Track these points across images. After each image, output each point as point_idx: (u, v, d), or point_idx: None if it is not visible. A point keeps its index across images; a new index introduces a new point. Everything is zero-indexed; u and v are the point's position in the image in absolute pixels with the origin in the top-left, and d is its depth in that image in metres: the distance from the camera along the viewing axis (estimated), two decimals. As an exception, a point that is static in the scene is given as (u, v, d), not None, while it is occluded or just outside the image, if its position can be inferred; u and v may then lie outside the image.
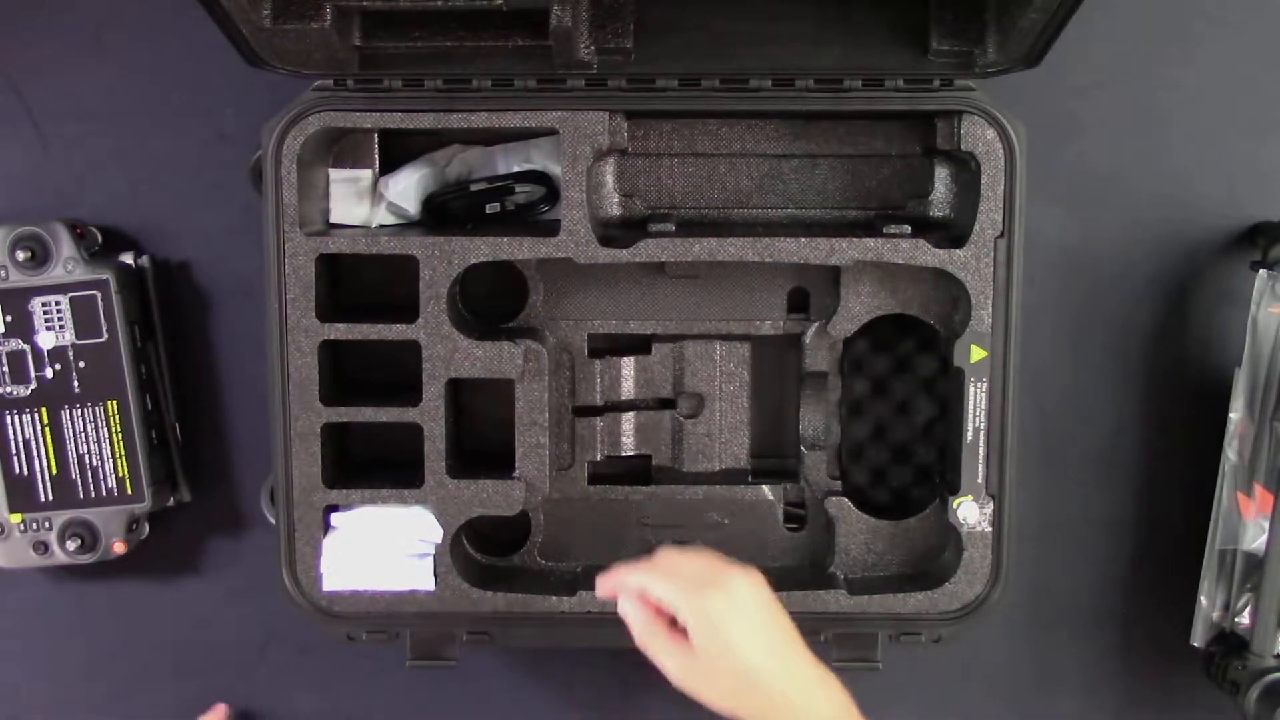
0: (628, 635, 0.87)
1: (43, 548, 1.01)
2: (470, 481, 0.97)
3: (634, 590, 0.87)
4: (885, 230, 0.95)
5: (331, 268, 0.99)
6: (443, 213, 1.01)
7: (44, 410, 1.00)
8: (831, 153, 1.01)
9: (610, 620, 0.95)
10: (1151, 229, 1.04)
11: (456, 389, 0.99)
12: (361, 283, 1.02)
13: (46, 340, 0.99)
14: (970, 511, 0.96)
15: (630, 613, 0.87)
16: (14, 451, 1.00)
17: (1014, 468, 0.96)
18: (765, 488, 1.02)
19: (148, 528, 1.03)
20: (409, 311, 0.95)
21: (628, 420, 1.03)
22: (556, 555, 1.03)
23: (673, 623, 0.85)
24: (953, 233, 0.97)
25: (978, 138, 0.94)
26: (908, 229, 0.95)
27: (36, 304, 0.99)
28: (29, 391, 1.00)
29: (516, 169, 1.01)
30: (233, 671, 1.09)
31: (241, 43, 0.89)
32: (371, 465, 1.02)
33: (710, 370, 1.02)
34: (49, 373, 1.00)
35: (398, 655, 1.00)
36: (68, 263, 0.98)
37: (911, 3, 0.92)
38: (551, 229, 0.95)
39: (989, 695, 1.10)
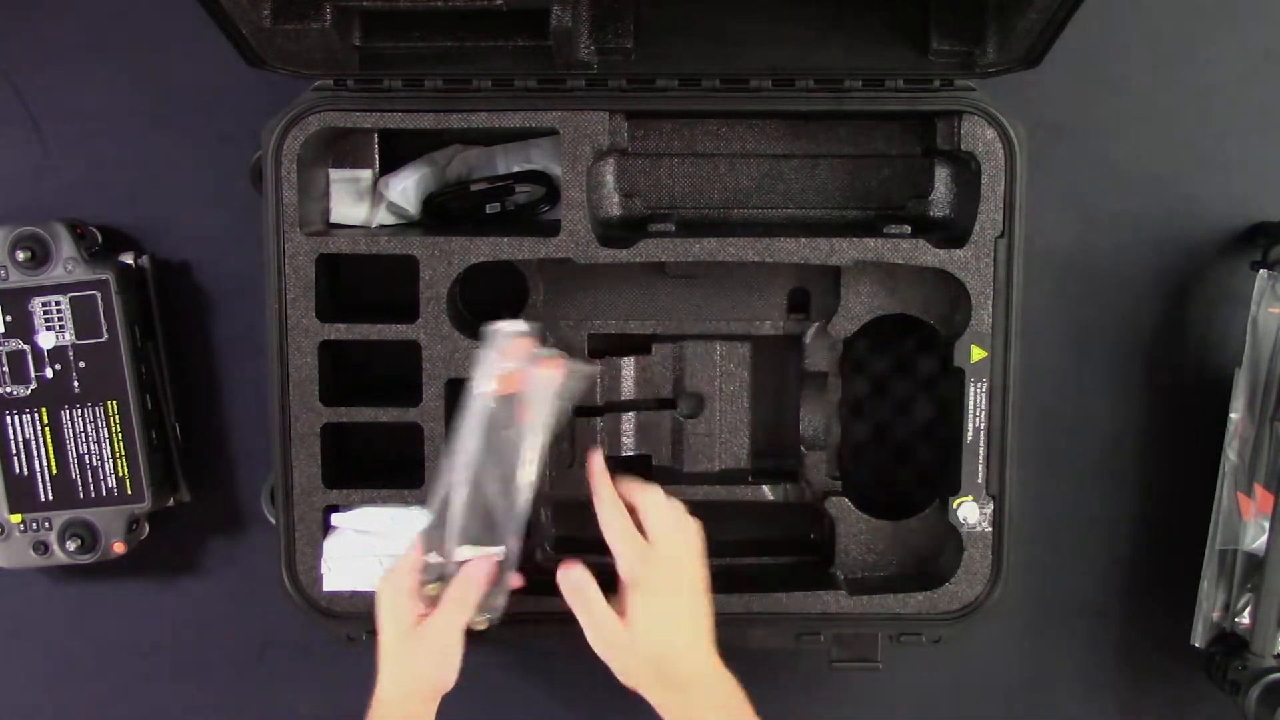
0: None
1: (43, 548, 1.01)
2: (470, 482, 0.97)
3: (607, 514, 0.88)
4: (885, 230, 0.95)
5: (331, 268, 0.98)
6: (443, 213, 1.01)
7: (44, 410, 1.00)
8: (831, 153, 1.01)
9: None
10: (1151, 229, 1.04)
11: (456, 389, 0.99)
12: (361, 283, 1.02)
13: (46, 340, 0.99)
14: (970, 512, 0.96)
15: (575, 575, 0.87)
16: (14, 451, 1.00)
17: (1014, 468, 0.96)
18: (765, 488, 1.02)
19: (148, 528, 1.03)
20: (409, 311, 0.95)
21: (628, 420, 1.03)
22: (558, 553, 1.03)
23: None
24: (953, 233, 0.97)
25: (978, 138, 0.94)
26: (908, 229, 0.95)
27: (36, 304, 0.99)
28: (29, 391, 1.00)
29: (516, 169, 1.01)
30: (233, 671, 1.09)
31: (241, 43, 0.89)
32: (371, 465, 1.02)
33: (710, 370, 1.02)
34: (49, 373, 0.99)
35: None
36: (68, 263, 0.98)
37: (911, 3, 0.92)
38: (551, 229, 0.95)
39: (989, 695, 1.10)
